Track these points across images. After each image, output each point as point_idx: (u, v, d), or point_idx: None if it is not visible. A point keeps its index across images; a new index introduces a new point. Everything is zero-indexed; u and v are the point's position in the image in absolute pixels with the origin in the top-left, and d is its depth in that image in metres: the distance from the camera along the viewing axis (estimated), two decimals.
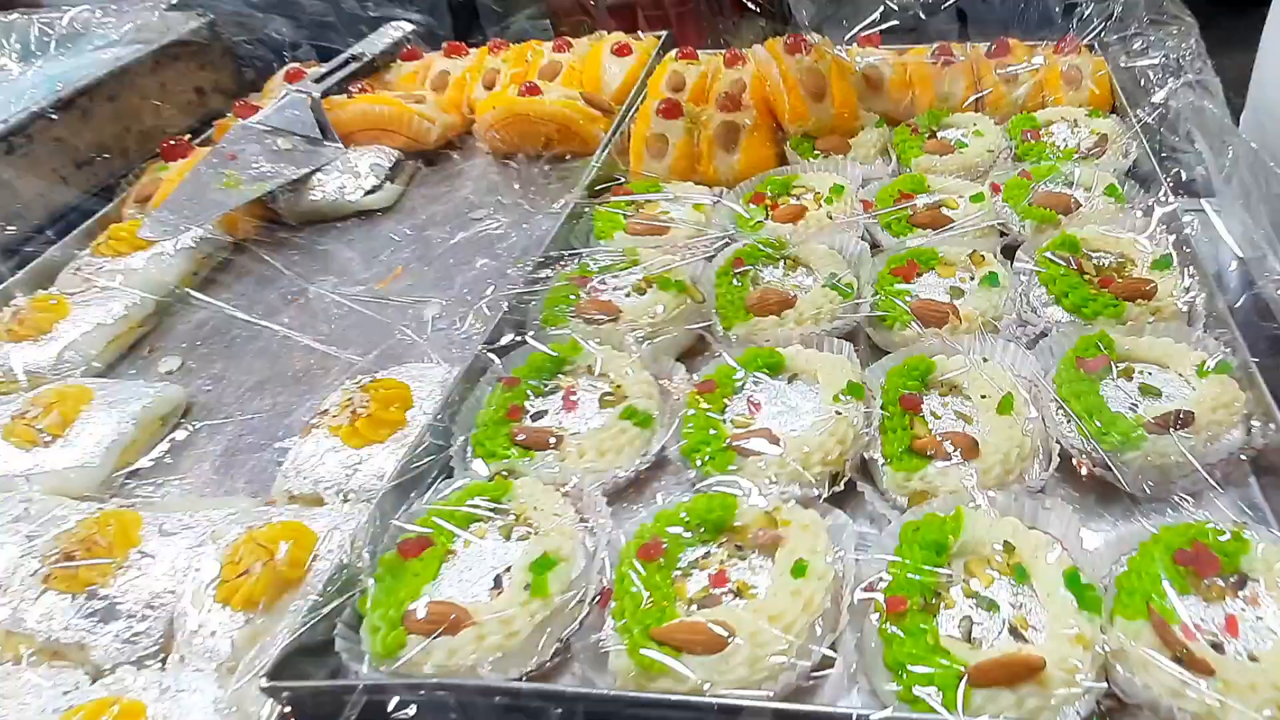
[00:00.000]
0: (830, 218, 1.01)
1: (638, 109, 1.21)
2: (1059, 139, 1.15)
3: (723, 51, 1.31)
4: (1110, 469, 0.72)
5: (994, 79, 1.24)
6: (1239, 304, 0.82)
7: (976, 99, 1.24)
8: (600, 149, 1.13)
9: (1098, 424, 0.72)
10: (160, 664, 0.67)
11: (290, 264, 1.11)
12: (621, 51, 1.33)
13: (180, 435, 0.90)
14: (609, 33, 1.39)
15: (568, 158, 1.25)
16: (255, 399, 0.93)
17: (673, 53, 1.33)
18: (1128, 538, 0.66)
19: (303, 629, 0.60)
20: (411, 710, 0.56)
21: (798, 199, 1.05)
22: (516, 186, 1.21)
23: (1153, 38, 1.10)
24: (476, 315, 0.90)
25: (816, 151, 1.14)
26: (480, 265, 1.05)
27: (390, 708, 0.56)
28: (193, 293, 1.03)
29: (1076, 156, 1.10)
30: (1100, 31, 1.20)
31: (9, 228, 1.09)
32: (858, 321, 0.88)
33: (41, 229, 1.13)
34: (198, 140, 1.28)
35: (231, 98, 1.37)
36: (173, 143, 1.22)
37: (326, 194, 1.17)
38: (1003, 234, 1.00)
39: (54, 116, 1.17)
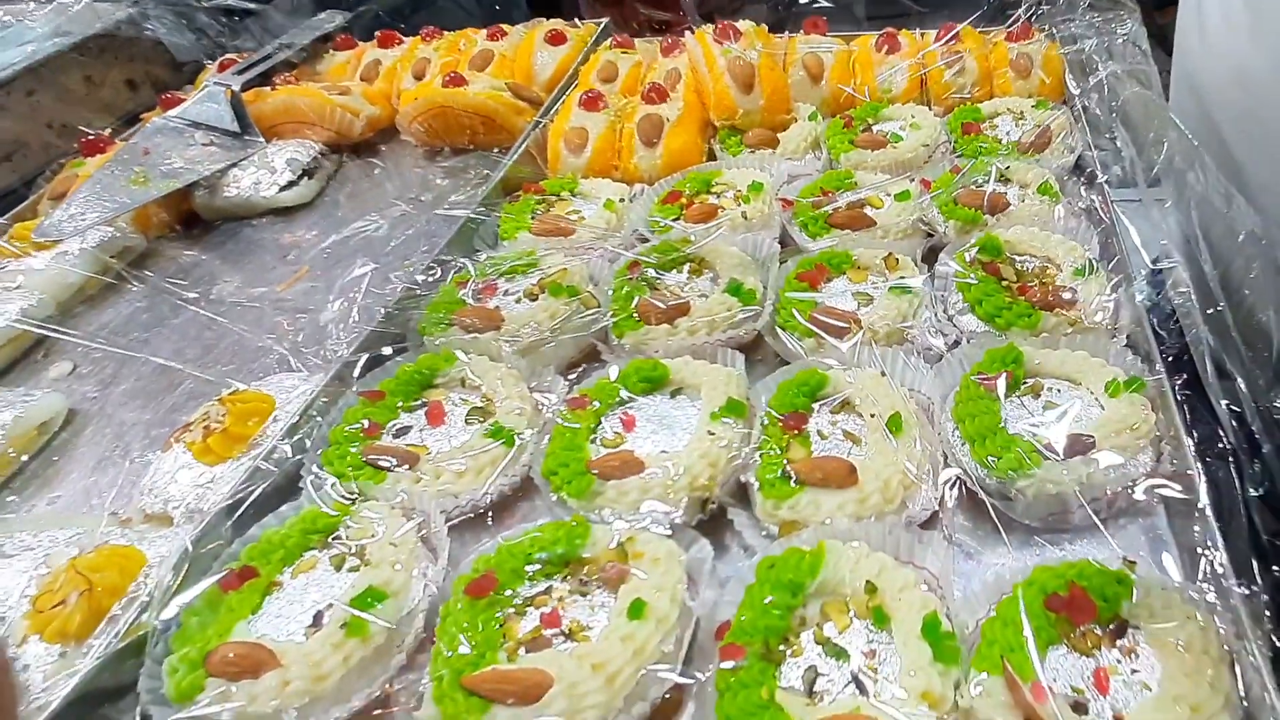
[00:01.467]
0: (745, 217, 0.94)
1: (564, 101, 1.14)
2: (1002, 132, 1.07)
3: (662, 40, 1.24)
4: (1006, 497, 0.66)
5: (940, 69, 1.16)
6: (1151, 315, 0.74)
7: (921, 89, 1.16)
8: (518, 143, 1.07)
9: (992, 447, 0.66)
10: None
11: (198, 263, 1.06)
12: (555, 40, 1.26)
13: (58, 444, 0.85)
14: (546, 20, 1.33)
15: (494, 151, 1.19)
16: (139, 408, 0.88)
17: (608, 41, 1.26)
18: (1007, 578, 0.59)
19: (95, 667, 0.55)
20: None
21: (717, 197, 0.99)
22: (440, 182, 1.15)
23: (1095, 24, 1.01)
24: (353, 321, 0.84)
25: (744, 146, 1.07)
26: (385, 263, 0.99)
27: None
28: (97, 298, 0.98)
29: (1016, 150, 1.02)
30: (1041, 16, 1.11)
31: None
32: (758, 330, 0.82)
33: None
34: (121, 136, 1.22)
35: (158, 90, 1.31)
36: (91, 137, 1.17)
37: (241, 190, 1.12)
38: (929, 235, 0.93)
39: None
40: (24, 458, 0.83)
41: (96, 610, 0.61)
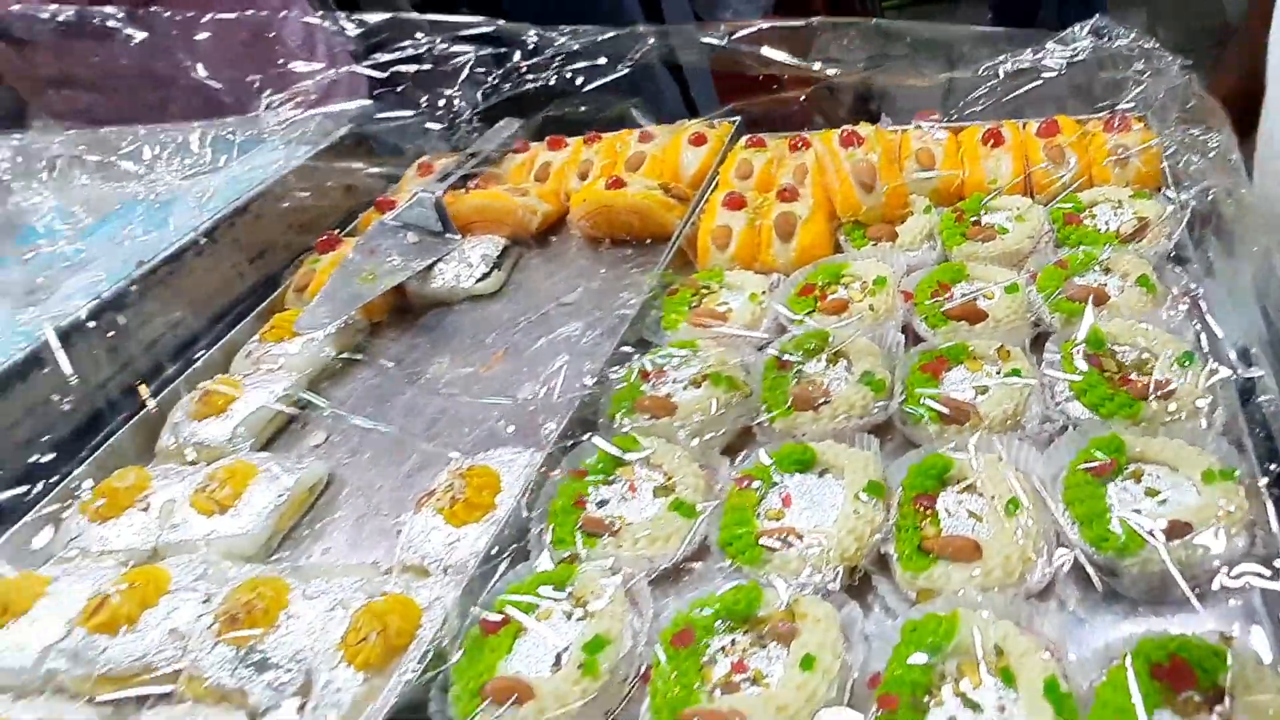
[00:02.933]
0: (872, 309, 1.04)
1: (708, 199, 1.26)
2: (1101, 221, 1.13)
3: (790, 136, 1.34)
4: (1113, 573, 0.73)
5: (1041, 159, 1.23)
6: (1245, 408, 0.80)
7: (1025, 179, 1.23)
8: (671, 242, 1.19)
9: (1100, 529, 0.73)
10: (299, 710, 0.78)
11: (414, 346, 1.22)
12: (697, 141, 1.38)
13: (323, 504, 1.02)
14: (689, 120, 1.45)
15: (648, 241, 1.32)
16: (382, 474, 1.04)
17: (742, 140, 1.38)
18: (1116, 645, 0.67)
19: (402, 693, 0.69)
20: None
21: (846, 288, 1.08)
22: (603, 271, 1.28)
23: (1188, 132, 1.07)
24: (553, 410, 0.98)
25: (867, 239, 1.17)
26: (562, 352, 1.13)
27: None
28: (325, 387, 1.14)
29: (1116, 239, 1.08)
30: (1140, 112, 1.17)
31: (195, 319, 1.24)
32: (889, 416, 0.91)
33: (222, 317, 1.28)
34: (345, 232, 1.41)
35: (371, 193, 1.49)
36: (325, 237, 1.35)
37: (445, 281, 1.28)
38: (1036, 324, 1.00)
39: (233, 221, 1.32)
40: (306, 515, 1.00)
41: (389, 647, 0.76)
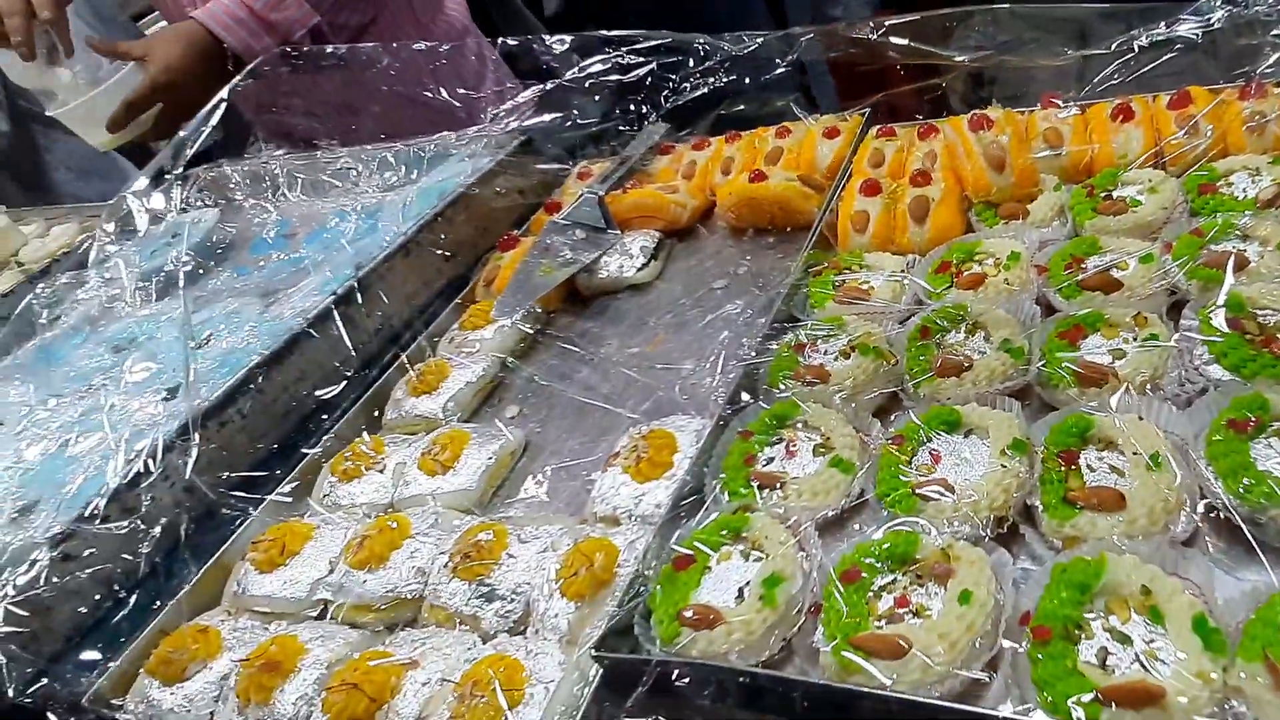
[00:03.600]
0: (1007, 283, 1.04)
1: (844, 186, 1.29)
2: (1238, 189, 1.08)
3: (918, 124, 1.35)
4: (1257, 523, 0.73)
5: (1173, 130, 1.19)
6: None
7: (1157, 152, 1.19)
8: (814, 228, 1.23)
9: (1243, 482, 0.74)
10: (522, 634, 0.88)
11: (586, 330, 1.31)
12: (830, 134, 1.41)
13: (521, 466, 1.12)
14: (819, 117, 1.47)
15: (788, 229, 1.36)
16: (570, 439, 1.13)
17: (873, 131, 1.39)
18: (1263, 589, 0.68)
19: (614, 618, 0.78)
20: (685, 681, 0.72)
21: (980, 265, 1.09)
22: (748, 258, 1.34)
23: None
24: (720, 378, 1.04)
25: (999, 218, 1.17)
26: (721, 330, 1.19)
27: (673, 677, 0.72)
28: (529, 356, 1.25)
29: (1255, 206, 1.04)
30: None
31: (405, 310, 1.38)
32: (1028, 381, 0.93)
33: (425, 309, 1.41)
34: (521, 231, 1.52)
35: (539, 195, 1.60)
36: (505, 237, 1.47)
37: (610, 272, 1.36)
38: (1172, 292, 0.99)
39: (431, 226, 1.44)
40: (504, 476, 1.11)
41: (596, 581, 0.85)
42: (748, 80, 1.38)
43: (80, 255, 1.87)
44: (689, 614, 0.76)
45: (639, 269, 1.35)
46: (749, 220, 1.37)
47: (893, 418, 0.94)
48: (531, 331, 1.33)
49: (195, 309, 1.59)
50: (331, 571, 1.01)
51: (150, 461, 1.08)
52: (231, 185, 1.98)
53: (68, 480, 1.15)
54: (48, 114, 1.84)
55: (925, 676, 0.67)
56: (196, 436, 1.11)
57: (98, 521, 1.04)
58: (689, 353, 1.19)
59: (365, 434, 1.19)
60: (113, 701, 0.95)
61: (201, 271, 1.79)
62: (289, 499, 1.14)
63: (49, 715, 0.91)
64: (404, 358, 1.27)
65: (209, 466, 1.13)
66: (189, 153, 1.85)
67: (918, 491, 0.82)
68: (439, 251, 1.44)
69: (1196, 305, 0.92)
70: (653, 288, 1.37)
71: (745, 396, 0.99)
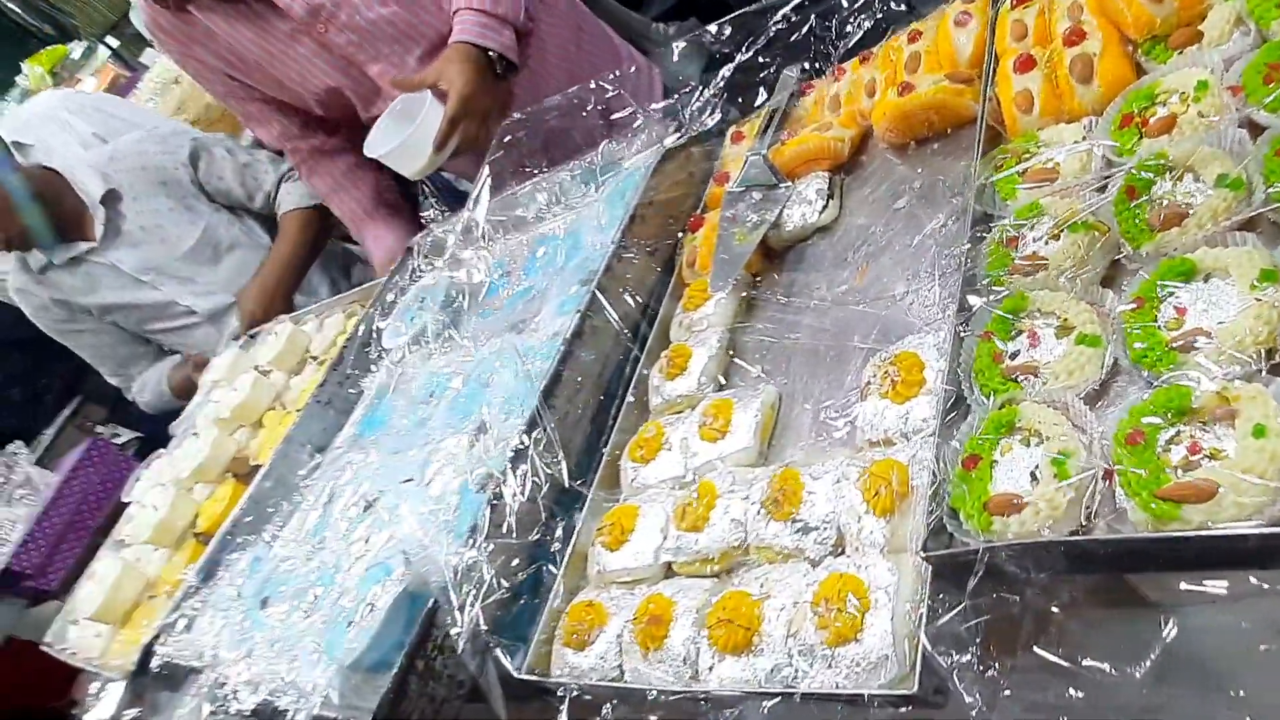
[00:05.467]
0: (1201, 116, 0.99)
1: (996, 71, 1.24)
2: None
3: None
4: None
5: None
6: None
7: None
8: (979, 124, 1.20)
9: None
10: (842, 554, 0.98)
11: (793, 280, 1.37)
12: (962, 21, 1.35)
13: (781, 416, 1.22)
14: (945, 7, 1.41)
15: (948, 131, 1.33)
16: (814, 383, 1.21)
17: (1006, 3, 1.32)
18: None
19: (930, 521, 0.86)
20: (1012, 562, 0.79)
21: (1165, 106, 1.04)
22: (920, 170, 1.33)
23: None
24: (939, 290, 1.08)
25: (1170, 50, 1.09)
26: (920, 246, 1.21)
27: (1001, 560, 0.79)
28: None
29: None
30: None
31: (632, 307, 1.50)
32: (1256, 211, 0.89)
33: (645, 306, 1.52)
34: (700, 210, 1.59)
35: (705, 171, 1.66)
36: (691, 219, 1.55)
37: (795, 223, 1.41)
38: None
39: (629, 228, 1.54)
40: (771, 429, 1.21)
41: (896, 495, 0.93)
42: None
43: (362, 337, 2.16)
44: (994, 504, 0.83)
45: (821, 211, 1.39)
46: (909, 134, 1.36)
47: (1123, 286, 0.93)
48: (746, 296, 1.41)
49: (463, 356, 1.81)
50: (665, 539, 1.16)
51: (518, 484, 1.27)
52: (448, 244, 2.19)
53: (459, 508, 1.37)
54: (370, 154, 1.99)
55: (1240, 511, 0.70)
56: (533, 458, 1.29)
57: (509, 535, 1.24)
58: (897, 275, 1.22)
59: (646, 422, 1.33)
60: (536, 672, 1.16)
61: (454, 323, 2.02)
62: (603, 492, 1.31)
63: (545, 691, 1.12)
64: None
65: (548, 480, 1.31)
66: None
67: (1173, 346, 0.82)
68: (643, 248, 1.55)
69: None
70: (838, 225, 1.40)
71: (972, 301, 1.02)
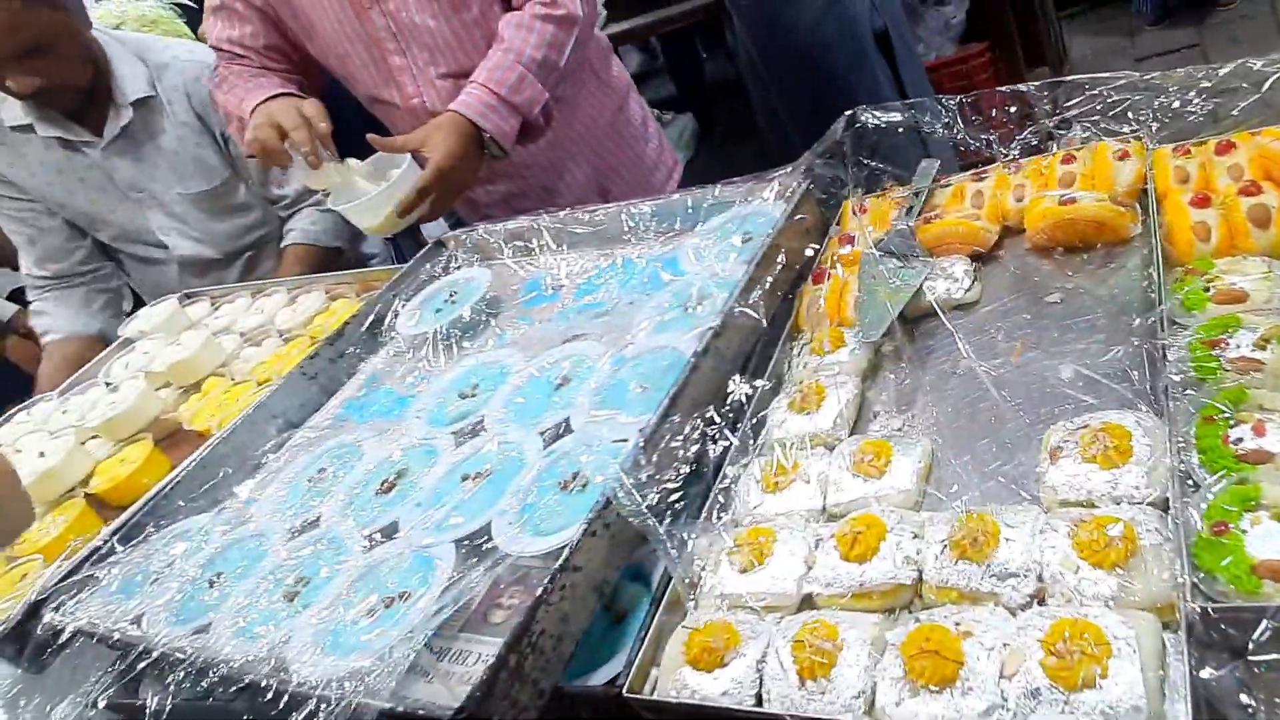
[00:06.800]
0: None
1: (1162, 203, 1.41)
2: None
3: (1213, 140, 1.47)
4: None
5: None
6: None
7: None
8: (1155, 242, 1.34)
9: None
10: (1042, 604, 0.98)
11: (932, 348, 1.43)
12: (1121, 156, 1.53)
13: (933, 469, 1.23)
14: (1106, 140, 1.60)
15: (1098, 246, 1.47)
16: (970, 441, 1.24)
17: (1168, 148, 1.52)
18: None
19: (1183, 582, 0.88)
20: None
21: None
22: (1070, 274, 1.45)
23: None
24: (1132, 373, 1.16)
25: None
26: (1084, 337, 1.30)
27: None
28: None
29: None
30: None
31: (749, 341, 1.50)
32: None
33: (758, 340, 1.53)
34: (817, 264, 1.65)
35: (820, 233, 1.73)
36: (815, 270, 1.60)
37: (936, 294, 1.48)
38: None
39: (751, 274, 1.56)
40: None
41: (1127, 550, 0.95)
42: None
43: (373, 318, 2.02)
44: (1263, 568, 0.86)
45: (967, 290, 1.47)
46: (1062, 241, 1.49)
47: None
48: (879, 351, 1.45)
49: (511, 355, 1.72)
50: (810, 569, 1.11)
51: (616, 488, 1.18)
52: (492, 245, 2.14)
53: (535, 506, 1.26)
54: (331, 207, 2.03)
55: None
56: (644, 461, 1.22)
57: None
58: (1058, 360, 1.30)
59: (773, 451, 1.30)
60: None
61: (490, 324, 1.94)
62: (719, 516, 1.25)
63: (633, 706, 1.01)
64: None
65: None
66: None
67: None
68: (763, 295, 1.57)
69: None
70: (976, 308, 1.48)
71: (1177, 379, 1.09)
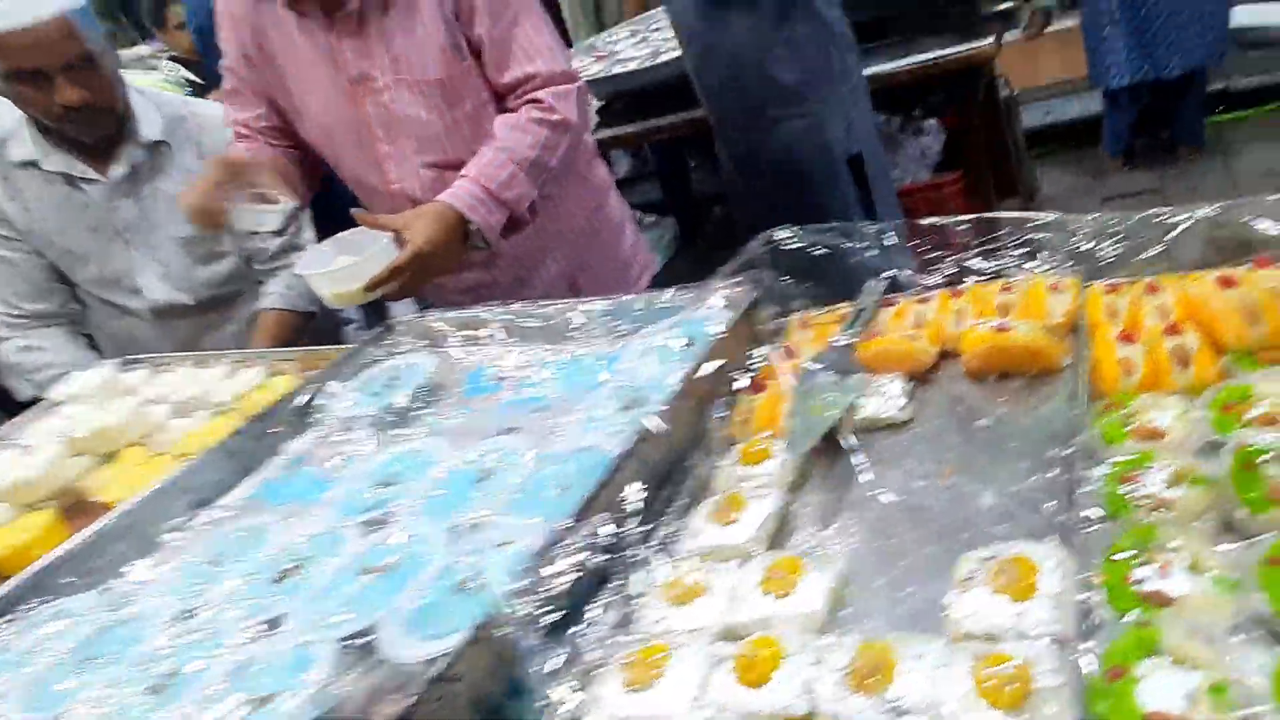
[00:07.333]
0: None
1: (1091, 336, 1.46)
2: None
3: (1143, 280, 1.54)
4: None
5: None
6: None
7: None
8: (1080, 374, 1.38)
9: None
10: None
11: (853, 466, 1.43)
12: (1054, 289, 1.59)
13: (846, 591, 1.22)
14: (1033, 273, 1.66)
15: (1029, 375, 1.51)
16: (885, 566, 1.23)
17: (1099, 284, 1.58)
18: None
19: None
20: None
21: (1260, 407, 1.24)
22: (1001, 400, 1.48)
23: None
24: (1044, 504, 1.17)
25: (1258, 365, 1.32)
26: (1009, 463, 1.32)
27: None
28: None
29: None
30: None
31: (677, 446, 1.50)
32: None
33: (690, 447, 1.53)
34: (756, 375, 1.67)
35: (764, 344, 1.77)
36: (754, 379, 1.62)
37: (869, 412, 1.50)
38: None
39: (689, 378, 1.59)
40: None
41: (1020, 692, 0.93)
42: None
43: (303, 397, 2.02)
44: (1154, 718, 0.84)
45: (900, 408, 1.49)
46: (994, 367, 1.53)
47: (1248, 543, 1.05)
48: (806, 467, 1.45)
49: (439, 446, 1.71)
50: (704, 690, 1.08)
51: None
52: (441, 332, 2.16)
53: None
54: (300, 272, 2.08)
55: None
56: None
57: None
58: (982, 486, 1.31)
59: (684, 563, 1.28)
60: None
61: (426, 412, 1.94)
62: (616, 628, 1.22)
63: None
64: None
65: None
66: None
67: None
68: (704, 392, 1.59)
69: None
70: (907, 427, 1.50)
71: (1090, 515, 1.10)
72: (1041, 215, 1.57)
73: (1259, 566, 0.99)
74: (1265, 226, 1.40)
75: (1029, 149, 5.64)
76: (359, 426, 1.86)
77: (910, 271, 1.80)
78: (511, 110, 2.24)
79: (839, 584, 1.19)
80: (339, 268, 2.00)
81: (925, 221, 1.65)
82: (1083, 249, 1.52)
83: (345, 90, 2.24)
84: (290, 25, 2.24)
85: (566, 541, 1.25)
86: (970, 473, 1.35)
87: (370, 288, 2.01)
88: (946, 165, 4.83)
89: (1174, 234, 1.44)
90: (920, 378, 1.60)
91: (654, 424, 1.42)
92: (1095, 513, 1.12)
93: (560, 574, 1.21)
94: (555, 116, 2.17)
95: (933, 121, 4.91)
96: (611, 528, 1.31)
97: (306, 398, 1.99)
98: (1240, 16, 5.54)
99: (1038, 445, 1.35)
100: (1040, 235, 1.58)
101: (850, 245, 1.65)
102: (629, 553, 1.32)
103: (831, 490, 1.42)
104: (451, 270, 2.18)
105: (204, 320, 2.90)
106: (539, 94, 2.16)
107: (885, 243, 1.65)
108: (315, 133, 2.41)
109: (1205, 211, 1.42)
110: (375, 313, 3.14)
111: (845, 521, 1.35)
